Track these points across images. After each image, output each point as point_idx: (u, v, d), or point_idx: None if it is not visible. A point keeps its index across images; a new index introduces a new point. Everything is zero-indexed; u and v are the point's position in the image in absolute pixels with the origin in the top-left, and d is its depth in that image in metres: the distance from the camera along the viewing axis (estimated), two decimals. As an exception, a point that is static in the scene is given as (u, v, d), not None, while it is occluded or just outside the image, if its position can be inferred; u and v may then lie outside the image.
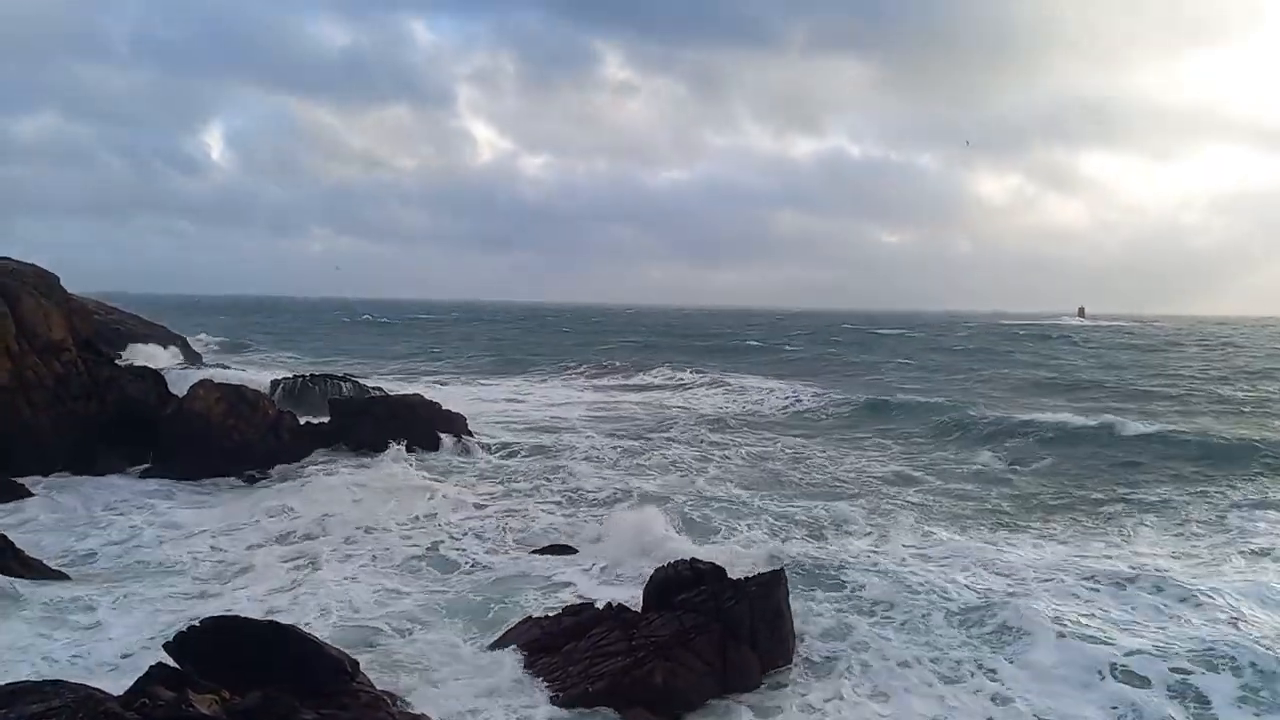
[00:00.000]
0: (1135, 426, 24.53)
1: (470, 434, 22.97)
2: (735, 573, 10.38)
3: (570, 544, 14.44)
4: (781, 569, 10.42)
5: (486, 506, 17.11)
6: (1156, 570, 12.42)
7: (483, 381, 43.42)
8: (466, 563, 13.73)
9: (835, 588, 11.84)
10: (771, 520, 15.86)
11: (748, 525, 15.56)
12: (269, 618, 9.09)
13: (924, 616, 10.76)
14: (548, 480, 19.48)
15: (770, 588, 9.86)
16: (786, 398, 34.72)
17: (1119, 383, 40.15)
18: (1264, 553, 13.82)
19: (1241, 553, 13.88)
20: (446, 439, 22.15)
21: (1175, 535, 15.28)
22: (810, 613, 10.80)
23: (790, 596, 10.15)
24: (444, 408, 23.61)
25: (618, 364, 51.82)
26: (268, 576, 12.86)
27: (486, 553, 14.18)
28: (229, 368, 36.66)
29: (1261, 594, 11.40)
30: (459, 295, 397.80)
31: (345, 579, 12.66)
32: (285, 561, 13.64)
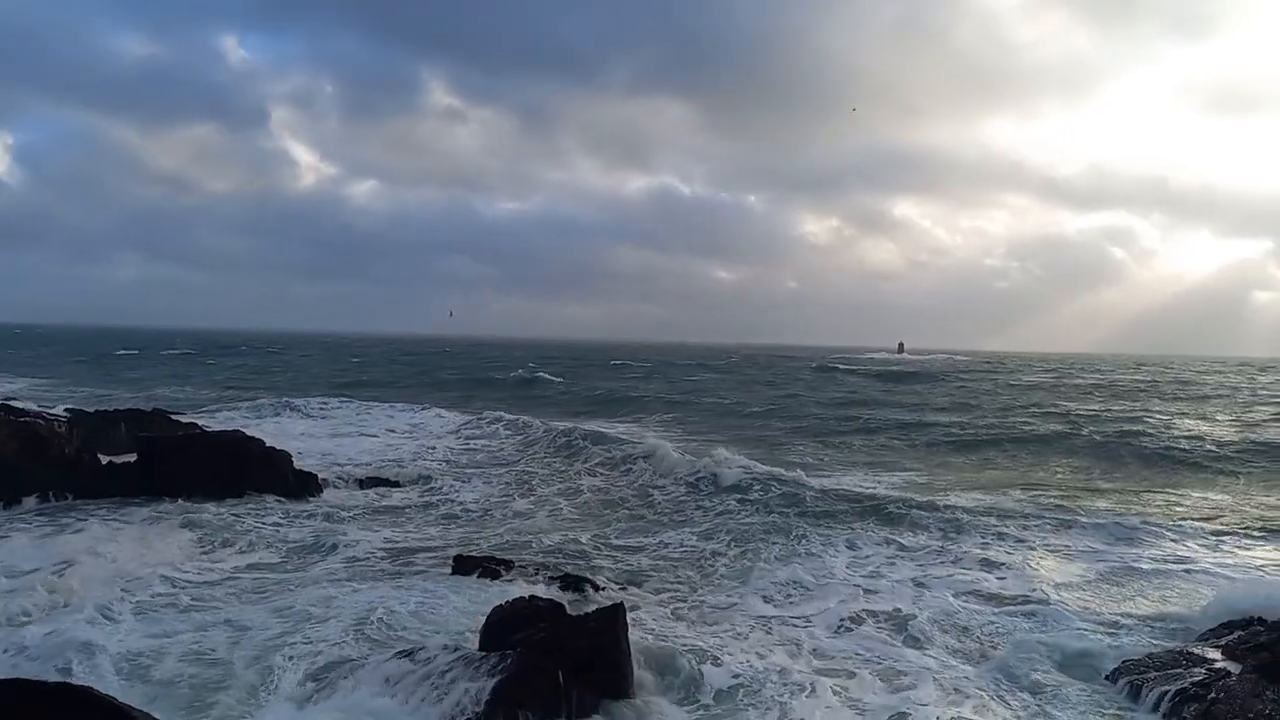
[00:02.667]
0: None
1: (295, 473, 21.75)
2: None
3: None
4: (620, 603, 10.37)
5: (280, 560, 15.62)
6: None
7: (308, 416, 41.62)
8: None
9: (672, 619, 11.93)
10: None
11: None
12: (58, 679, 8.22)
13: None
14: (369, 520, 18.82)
15: (609, 622, 9.78)
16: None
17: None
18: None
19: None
20: (266, 480, 20.89)
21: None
22: (650, 645, 10.80)
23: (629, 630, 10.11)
24: (266, 444, 22.28)
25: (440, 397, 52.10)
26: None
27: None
28: (17, 400, 33.53)
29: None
30: (285, 325, 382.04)
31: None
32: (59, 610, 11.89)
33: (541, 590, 12.49)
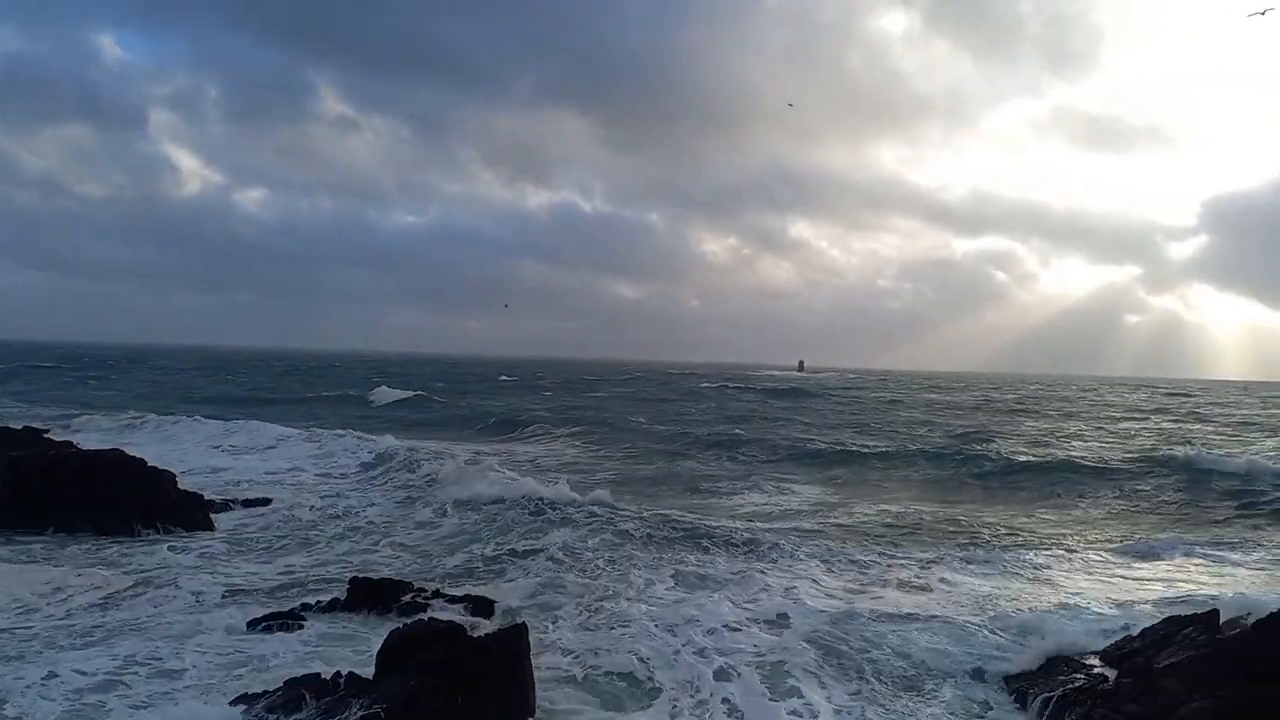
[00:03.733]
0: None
1: (180, 493, 20.73)
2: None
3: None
4: (523, 623, 10.25)
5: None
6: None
7: (196, 434, 39.86)
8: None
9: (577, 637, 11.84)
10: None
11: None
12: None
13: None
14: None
15: (511, 643, 9.65)
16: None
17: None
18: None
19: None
20: (149, 502, 19.84)
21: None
22: (554, 665, 10.70)
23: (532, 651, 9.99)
24: (149, 465, 21.17)
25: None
26: None
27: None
28: None
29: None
30: (170, 339, 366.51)
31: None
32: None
33: (441, 612, 12.25)
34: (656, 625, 12.16)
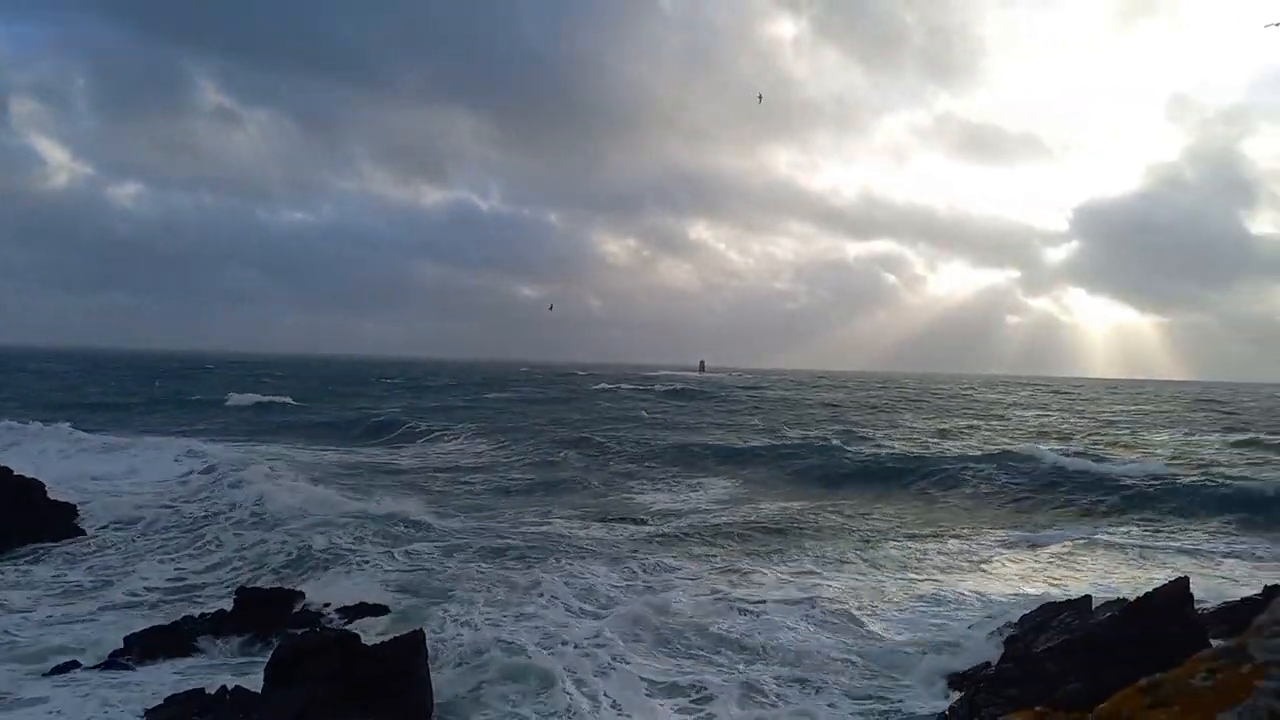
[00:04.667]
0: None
1: (50, 504, 19.48)
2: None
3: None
4: (419, 630, 9.99)
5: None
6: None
7: (68, 445, 37.20)
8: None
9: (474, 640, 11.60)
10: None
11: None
12: None
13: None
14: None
15: (407, 649, 9.40)
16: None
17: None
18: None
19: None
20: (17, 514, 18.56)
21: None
22: (452, 671, 10.46)
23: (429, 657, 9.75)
24: (14, 473, 19.81)
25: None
26: None
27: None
28: None
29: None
30: (40, 340, 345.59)
31: None
32: None
33: (334, 621, 11.86)
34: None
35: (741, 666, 10.96)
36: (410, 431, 43.13)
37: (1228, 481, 24.20)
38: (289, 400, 62.87)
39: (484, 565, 15.87)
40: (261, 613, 12.55)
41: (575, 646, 11.22)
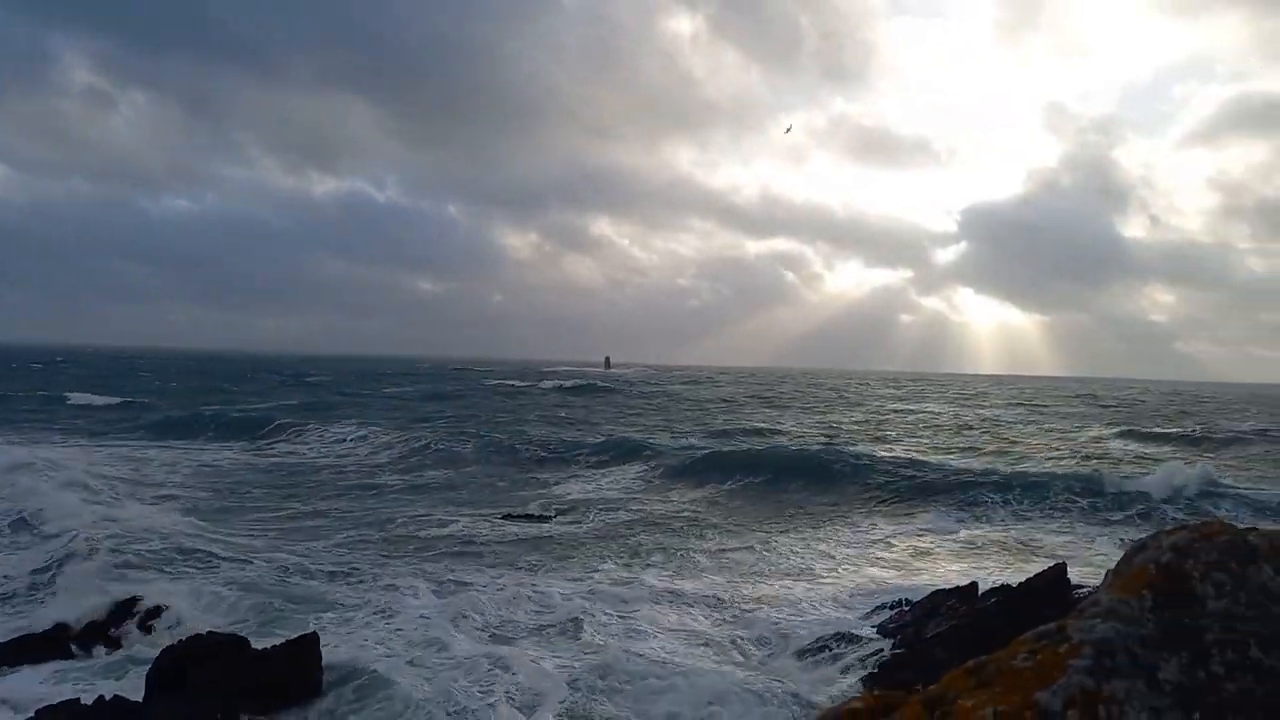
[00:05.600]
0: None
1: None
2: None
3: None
4: (313, 633, 9.75)
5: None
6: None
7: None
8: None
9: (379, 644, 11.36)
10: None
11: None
12: None
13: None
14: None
15: (301, 652, 9.18)
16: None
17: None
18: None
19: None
20: None
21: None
22: (351, 674, 10.23)
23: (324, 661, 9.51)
24: None
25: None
26: None
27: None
28: None
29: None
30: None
31: None
32: None
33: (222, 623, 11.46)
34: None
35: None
36: (280, 428, 39.92)
37: (1088, 472, 25.57)
38: (149, 400, 56.17)
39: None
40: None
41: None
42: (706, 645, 11.56)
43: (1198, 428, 45.54)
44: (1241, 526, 1.38)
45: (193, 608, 12.11)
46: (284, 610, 12.54)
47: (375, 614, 12.44)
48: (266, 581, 14.05)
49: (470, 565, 15.87)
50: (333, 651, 10.05)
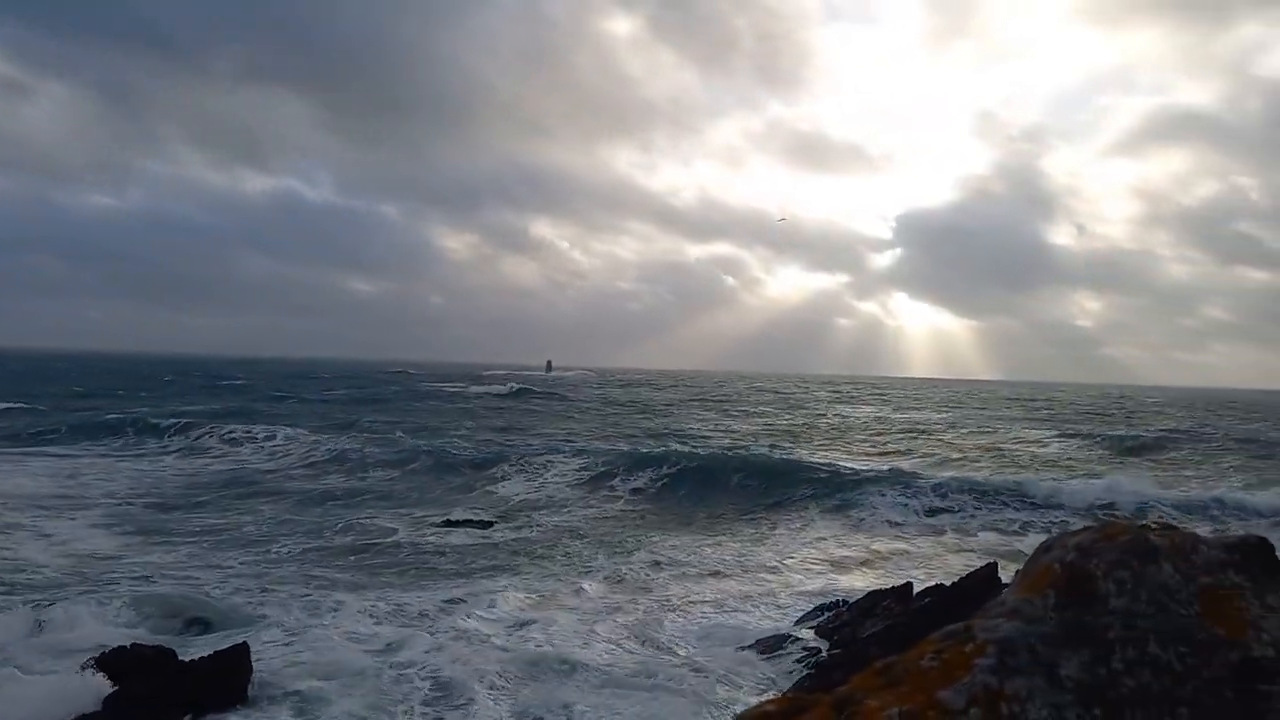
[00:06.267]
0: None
1: None
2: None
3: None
4: (244, 643, 9.53)
5: None
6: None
7: None
8: None
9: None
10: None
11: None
12: None
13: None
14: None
15: (231, 664, 8.97)
16: None
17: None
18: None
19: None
20: None
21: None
22: (282, 685, 10.01)
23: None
24: None
25: None
26: None
27: None
28: None
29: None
30: None
31: None
32: None
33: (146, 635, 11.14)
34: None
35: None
36: (187, 431, 37.65)
37: (1017, 474, 26.26)
38: (46, 406, 50.25)
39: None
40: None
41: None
42: (639, 646, 11.58)
43: (1124, 430, 46.96)
44: (1143, 525, 1.43)
45: (99, 623, 11.66)
46: (205, 619, 12.24)
47: (284, 629, 12.07)
48: (173, 597, 13.46)
49: (395, 578, 15.62)
50: (262, 662, 9.85)
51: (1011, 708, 1.13)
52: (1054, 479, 25.98)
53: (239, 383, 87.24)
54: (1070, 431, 45.36)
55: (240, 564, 16.08)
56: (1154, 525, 1.42)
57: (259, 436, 36.23)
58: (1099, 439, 41.38)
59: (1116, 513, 21.03)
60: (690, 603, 13.76)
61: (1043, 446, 39.67)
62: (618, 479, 28.06)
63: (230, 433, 37.12)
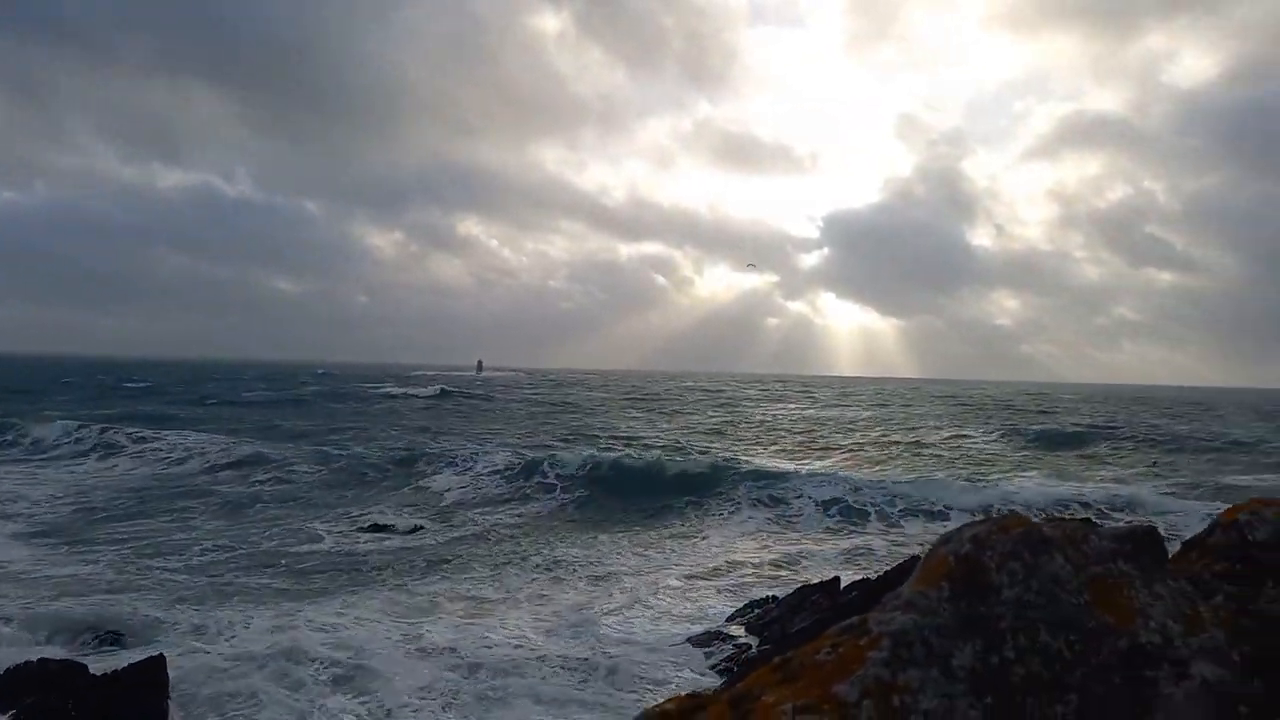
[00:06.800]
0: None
1: None
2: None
3: None
4: (160, 655, 9.23)
5: None
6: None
7: None
8: None
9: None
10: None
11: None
12: None
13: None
14: None
15: (146, 678, 8.67)
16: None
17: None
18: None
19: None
20: None
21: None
22: (203, 697, 9.72)
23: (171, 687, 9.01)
24: None
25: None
26: None
27: None
28: None
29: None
30: None
31: None
32: None
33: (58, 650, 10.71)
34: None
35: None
36: (78, 440, 35.13)
37: (943, 474, 26.91)
38: None
39: None
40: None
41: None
42: (564, 645, 11.54)
43: (1043, 426, 48.41)
44: (1036, 519, 1.48)
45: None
46: (117, 632, 11.79)
47: (204, 639, 11.68)
48: (80, 611, 12.79)
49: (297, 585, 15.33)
50: (181, 673, 9.56)
51: (904, 699, 1.15)
52: (976, 474, 26.70)
53: (148, 385, 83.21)
54: (993, 427, 46.67)
55: (155, 575, 15.51)
56: (1050, 517, 1.47)
57: (154, 440, 33.98)
58: (1020, 434, 42.66)
59: (1017, 506, 21.71)
60: (617, 604, 13.76)
61: (968, 442, 40.76)
62: (540, 479, 27.41)
63: (128, 436, 34.77)
